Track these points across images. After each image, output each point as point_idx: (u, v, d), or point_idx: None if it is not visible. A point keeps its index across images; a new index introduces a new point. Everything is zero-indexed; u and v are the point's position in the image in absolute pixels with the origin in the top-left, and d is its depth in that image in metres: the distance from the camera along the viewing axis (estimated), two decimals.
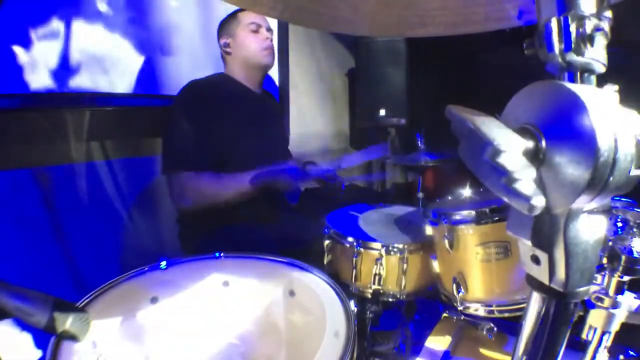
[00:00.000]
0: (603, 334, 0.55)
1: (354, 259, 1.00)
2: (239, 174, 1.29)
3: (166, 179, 1.33)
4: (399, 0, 0.53)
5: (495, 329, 0.90)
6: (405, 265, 0.98)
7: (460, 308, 0.89)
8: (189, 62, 1.72)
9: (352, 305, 0.71)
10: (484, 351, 0.92)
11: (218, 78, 1.47)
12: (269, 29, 1.48)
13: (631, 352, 0.78)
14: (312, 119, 2.71)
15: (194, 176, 1.27)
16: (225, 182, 1.28)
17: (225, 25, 1.47)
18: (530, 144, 0.30)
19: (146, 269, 0.81)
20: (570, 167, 0.28)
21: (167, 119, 1.35)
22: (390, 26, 0.59)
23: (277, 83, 2.28)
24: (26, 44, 1.23)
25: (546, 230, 0.32)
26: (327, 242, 1.09)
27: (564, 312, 0.34)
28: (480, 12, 0.52)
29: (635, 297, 0.54)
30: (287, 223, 1.34)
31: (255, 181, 1.27)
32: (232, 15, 1.47)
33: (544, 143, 0.30)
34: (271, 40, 1.48)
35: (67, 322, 0.46)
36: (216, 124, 1.33)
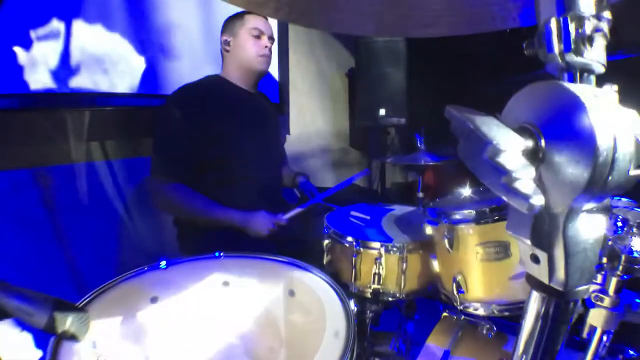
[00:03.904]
0: (603, 333, 0.56)
1: (354, 258, 1.00)
2: (214, 204, 1.31)
3: (149, 181, 1.34)
4: (405, 1, 0.53)
5: (495, 328, 0.90)
6: (404, 265, 0.98)
7: (460, 308, 0.89)
8: (189, 63, 1.72)
9: (352, 304, 0.71)
10: (484, 351, 0.92)
11: (211, 80, 1.46)
12: (271, 38, 1.47)
13: (631, 352, 0.78)
14: (312, 119, 2.72)
15: (175, 189, 1.29)
16: (200, 206, 1.30)
17: (230, 23, 1.47)
18: (529, 143, 0.30)
19: (146, 268, 0.81)
20: (569, 166, 0.28)
21: (157, 122, 1.34)
22: (395, 26, 0.58)
23: (277, 83, 2.28)
24: (26, 44, 1.23)
25: (545, 230, 0.32)
26: (326, 241, 1.09)
27: (564, 311, 0.34)
28: (486, 12, 0.51)
29: (635, 297, 0.55)
30: (287, 223, 1.34)
31: (226, 218, 1.29)
32: (239, 15, 1.46)
33: (543, 142, 0.30)
34: (270, 50, 1.47)
35: (67, 322, 0.46)
36: (209, 125, 1.33)
